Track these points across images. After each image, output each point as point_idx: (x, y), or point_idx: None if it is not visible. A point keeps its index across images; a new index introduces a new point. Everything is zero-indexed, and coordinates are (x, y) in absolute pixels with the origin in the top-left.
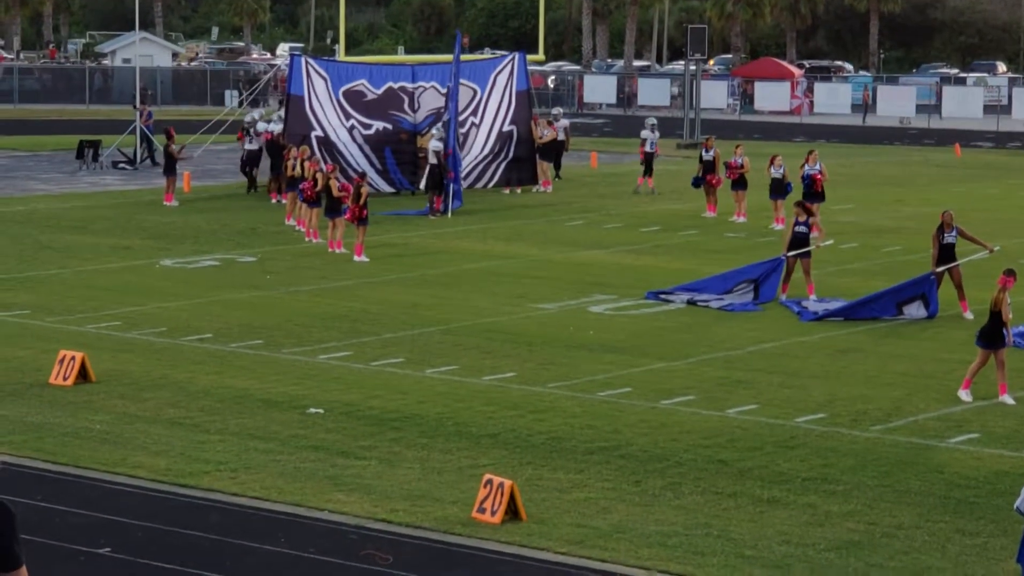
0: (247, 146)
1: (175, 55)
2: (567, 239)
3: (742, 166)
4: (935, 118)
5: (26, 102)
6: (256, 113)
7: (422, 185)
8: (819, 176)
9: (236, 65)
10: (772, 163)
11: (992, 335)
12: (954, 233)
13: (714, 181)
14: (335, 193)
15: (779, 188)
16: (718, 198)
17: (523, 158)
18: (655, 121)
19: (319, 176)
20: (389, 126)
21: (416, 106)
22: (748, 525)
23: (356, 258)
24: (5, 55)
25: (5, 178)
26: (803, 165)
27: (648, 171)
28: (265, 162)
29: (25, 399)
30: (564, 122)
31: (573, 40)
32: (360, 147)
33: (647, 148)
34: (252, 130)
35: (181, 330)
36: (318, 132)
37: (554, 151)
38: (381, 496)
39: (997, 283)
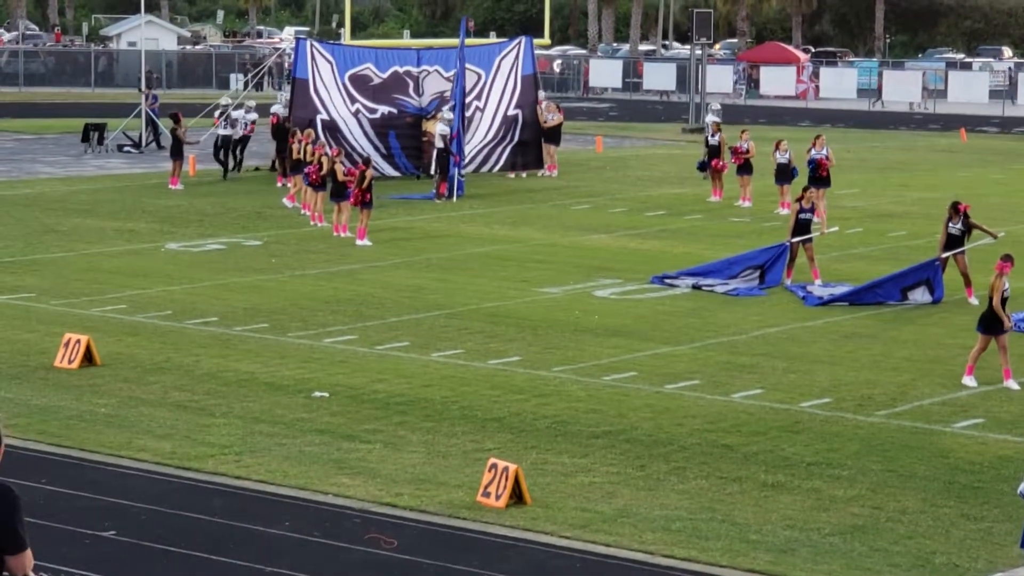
0: (220, 131)
1: (192, 35)
2: (572, 223)
3: (747, 151)
4: (941, 103)
5: (31, 85)
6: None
7: (432, 170)
8: (825, 161)
9: (242, 48)
10: (777, 148)
11: (992, 320)
12: (959, 226)
13: (719, 166)
14: (340, 177)
15: (784, 173)
16: (723, 183)
17: (528, 142)
18: (719, 107)
19: (324, 160)
20: (394, 110)
21: (420, 90)
22: (752, 509)
23: (359, 242)
24: (7, 36)
25: (11, 161)
26: (810, 149)
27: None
28: (266, 145)
29: (30, 382)
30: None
31: (579, 24)
32: (365, 132)
33: (708, 133)
34: (227, 115)
35: (186, 313)
36: (323, 116)
37: (558, 135)
38: (386, 480)
39: (994, 268)
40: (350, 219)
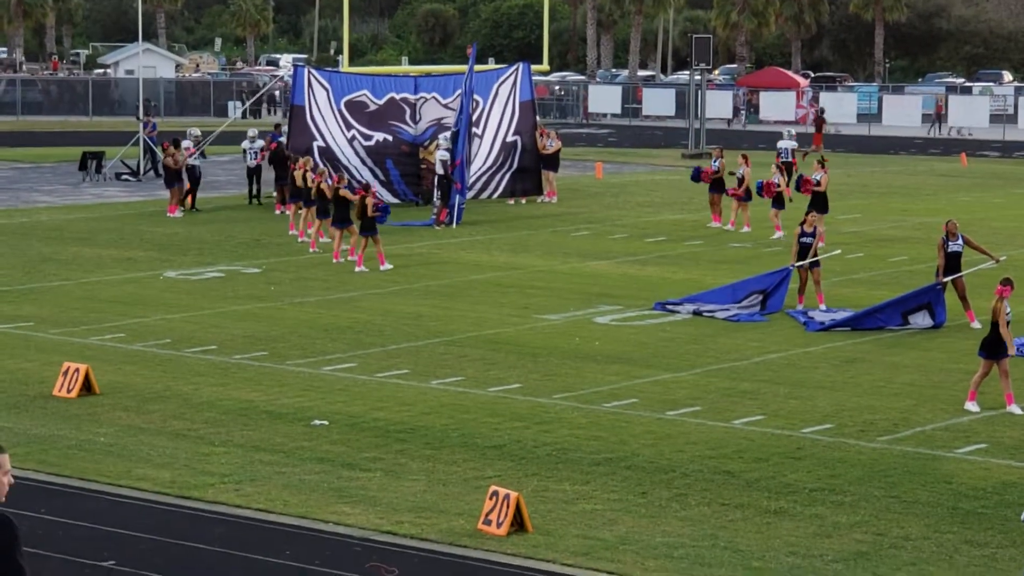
0: (192, 161)
1: (178, 66)
2: (572, 249)
3: (742, 178)
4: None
5: (29, 114)
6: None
7: (434, 198)
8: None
9: (239, 76)
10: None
11: (993, 345)
12: (959, 242)
13: (705, 177)
14: (350, 196)
15: (780, 198)
16: (722, 208)
17: (527, 168)
18: (793, 132)
19: (324, 187)
20: (390, 137)
21: (417, 117)
22: (755, 536)
23: (358, 268)
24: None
25: (8, 190)
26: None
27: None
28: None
29: (29, 411)
30: None
31: (578, 50)
32: (362, 158)
33: (784, 157)
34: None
35: (185, 342)
36: (320, 142)
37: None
38: (386, 508)
39: (995, 293)
40: (358, 244)
